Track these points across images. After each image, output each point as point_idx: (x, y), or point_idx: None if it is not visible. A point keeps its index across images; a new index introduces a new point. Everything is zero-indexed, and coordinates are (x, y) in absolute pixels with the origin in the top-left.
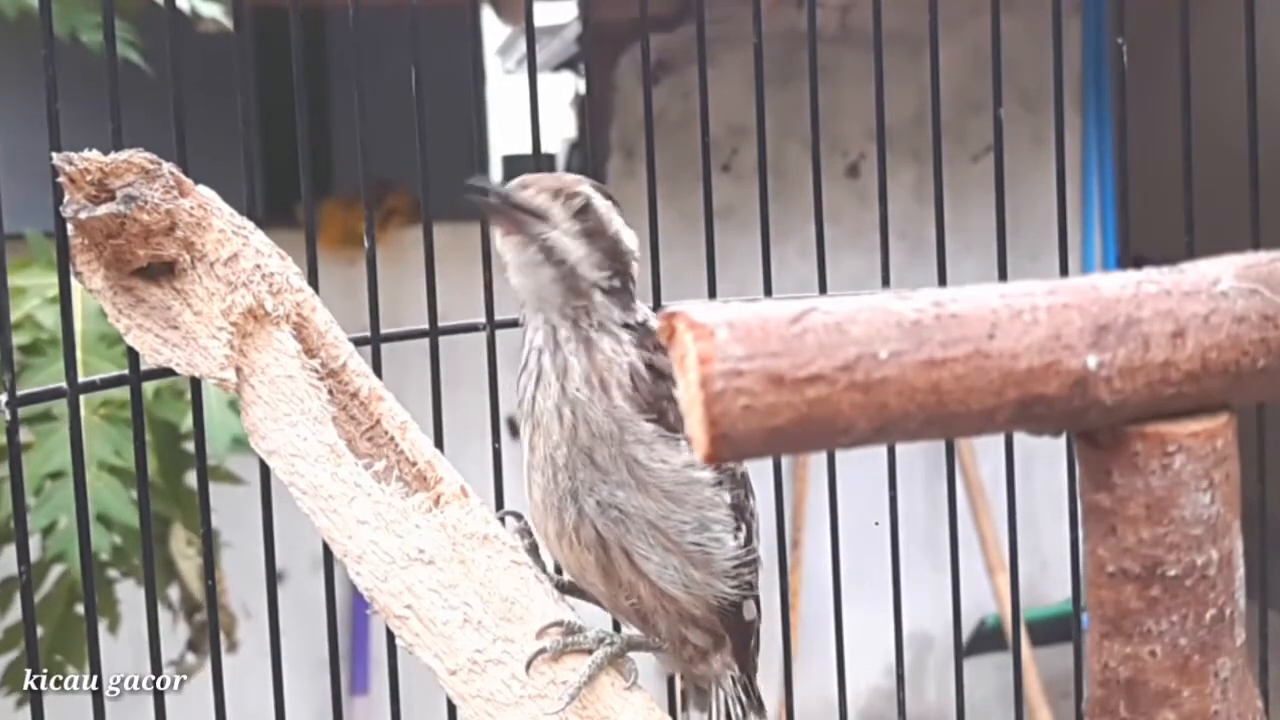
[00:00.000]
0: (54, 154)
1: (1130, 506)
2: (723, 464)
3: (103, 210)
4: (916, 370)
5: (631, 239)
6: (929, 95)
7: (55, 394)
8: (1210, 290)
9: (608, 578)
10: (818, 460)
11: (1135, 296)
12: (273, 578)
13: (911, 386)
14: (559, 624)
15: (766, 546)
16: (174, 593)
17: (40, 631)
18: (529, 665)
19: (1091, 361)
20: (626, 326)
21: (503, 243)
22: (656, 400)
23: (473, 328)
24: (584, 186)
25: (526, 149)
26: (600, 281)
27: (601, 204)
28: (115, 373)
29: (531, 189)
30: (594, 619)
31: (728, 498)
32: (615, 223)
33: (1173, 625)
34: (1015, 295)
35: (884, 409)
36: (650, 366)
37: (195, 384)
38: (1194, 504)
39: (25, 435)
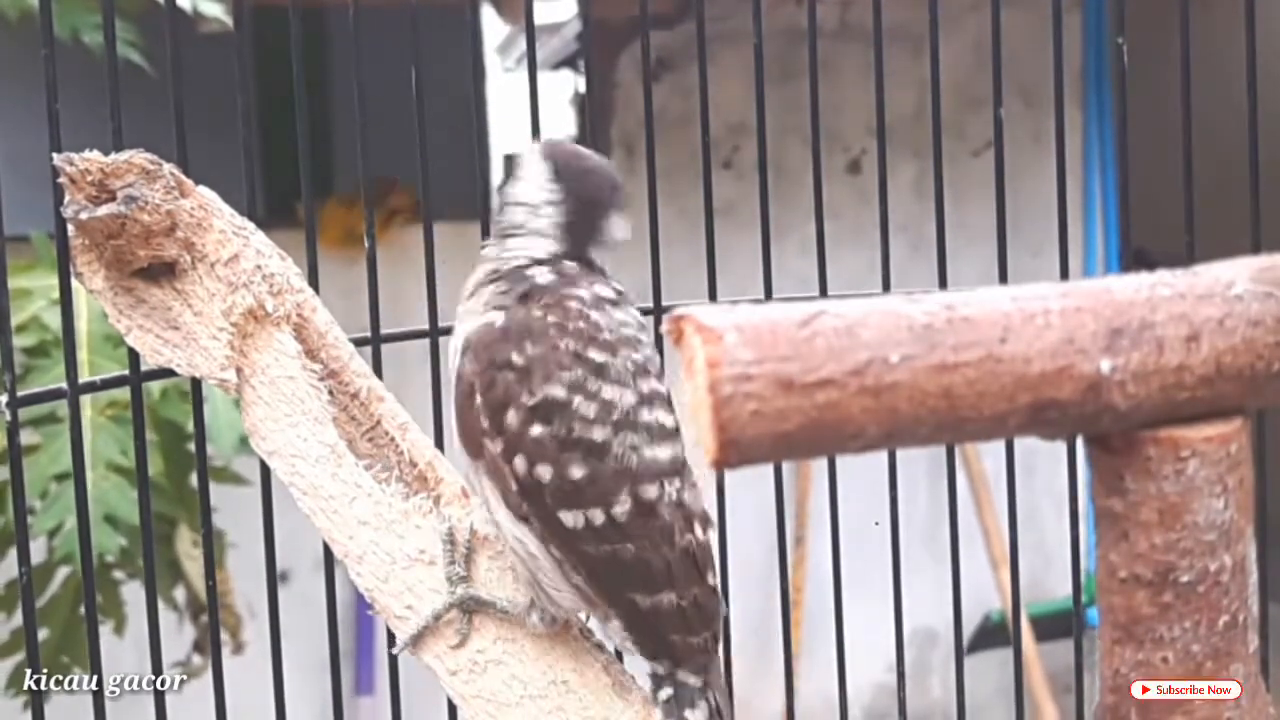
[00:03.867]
0: (55, 155)
1: (1143, 512)
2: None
3: (103, 211)
4: (928, 374)
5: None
6: (929, 91)
7: (56, 394)
8: (1224, 294)
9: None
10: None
11: (1149, 300)
12: (274, 578)
13: (923, 391)
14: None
15: (768, 544)
16: (180, 594)
17: (47, 633)
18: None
19: (1105, 366)
20: (504, 282)
21: None
22: (485, 369)
23: None
24: None
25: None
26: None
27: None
28: (117, 373)
29: None
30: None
31: None
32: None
33: (1185, 631)
34: (1027, 298)
35: (895, 414)
36: (490, 326)
37: (197, 384)
38: (1207, 509)
39: (31, 437)
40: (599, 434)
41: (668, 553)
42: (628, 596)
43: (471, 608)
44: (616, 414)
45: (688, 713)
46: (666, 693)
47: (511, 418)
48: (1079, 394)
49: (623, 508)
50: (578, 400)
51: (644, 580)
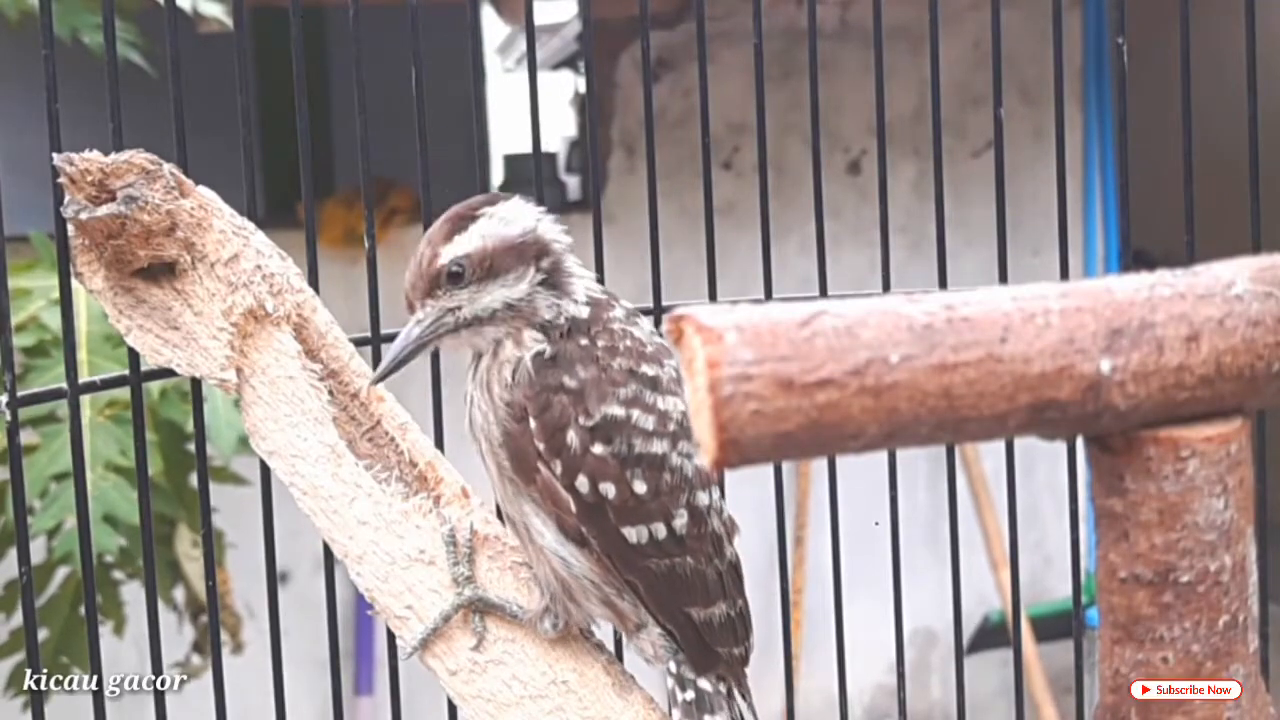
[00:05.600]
0: (55, 155)
1: (1143, 512)
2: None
3: (103, 211)
4: (928, 374)
5: (527, 224)
6: (929, 91)
7: (56, 395)
8: (1224, 294)
9: (525, 549)
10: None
11: (1149, 300)
12: (274, 578)
13: (923, 391)
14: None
15: (768, 544)
16: (180, 594)
17: (46, 633)
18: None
19: (1105, 366)
20: (541, 327)
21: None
22: (539, 393)
23: None
24: (444, 247)
25: (527, 147)
26: (527, 288)
27: (467, 239)
28: (116, 373)
29: (416, 303)
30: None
31: None
32: (495, 234)
33: (1185, 631)
34: (1027, 298)
35: (895, 414)
36: (540, 356)
37: (196, 384)
38: (1208, 509)
39: (31, 437)
40: (658, 446)
41: (719, 564)
42: (684, 610)
43: (480, 609)
44: (672, 424)
45: (707, 718)
46: (689, 695)
47: (571, 438)
48: (1079, 394)
49: (681, 520)
50: (636, 415)
51: (702, 592)
